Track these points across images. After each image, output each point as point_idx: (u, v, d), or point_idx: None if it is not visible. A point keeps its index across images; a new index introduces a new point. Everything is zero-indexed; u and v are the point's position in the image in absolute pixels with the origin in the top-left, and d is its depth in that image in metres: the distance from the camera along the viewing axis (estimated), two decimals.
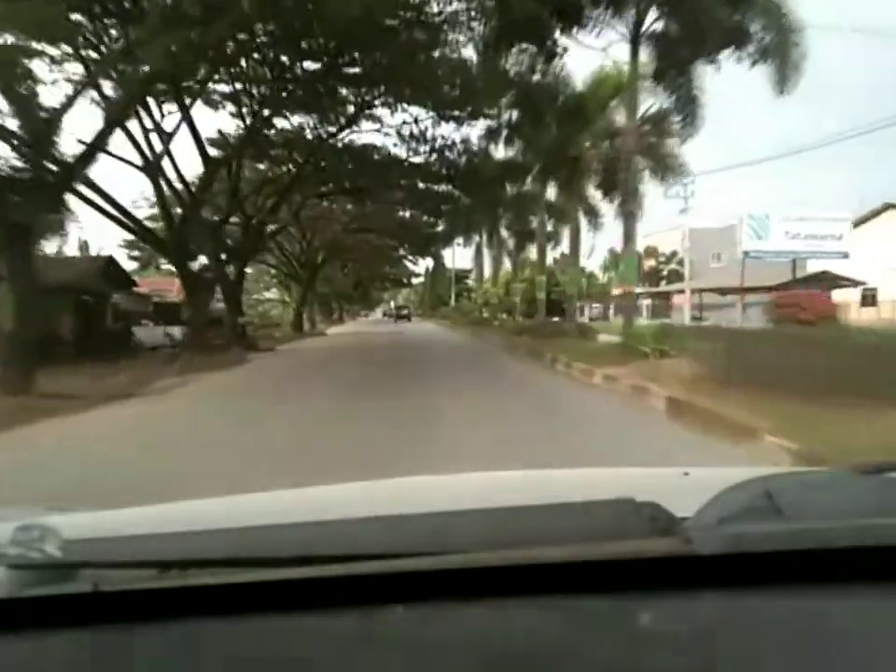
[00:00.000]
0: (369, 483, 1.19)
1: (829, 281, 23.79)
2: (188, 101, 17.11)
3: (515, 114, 20.16)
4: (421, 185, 25.86)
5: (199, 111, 18.50)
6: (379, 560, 0.65)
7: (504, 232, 36.11)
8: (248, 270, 45.29)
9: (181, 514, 0.99)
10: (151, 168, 16.79)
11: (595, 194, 22.93)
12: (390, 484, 1.17)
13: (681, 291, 39.42)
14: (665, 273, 52.67)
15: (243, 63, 16.66)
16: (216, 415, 8.19)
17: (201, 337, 16.86)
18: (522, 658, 0.59)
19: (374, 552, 0.66)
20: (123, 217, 16.54)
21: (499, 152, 23.21)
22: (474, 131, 29.64)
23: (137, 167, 16.73)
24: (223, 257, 21.16)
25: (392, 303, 77.88)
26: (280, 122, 20.45)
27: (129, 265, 29.94)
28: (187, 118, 17.37)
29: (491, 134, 21.94)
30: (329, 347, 22.38)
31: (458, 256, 75.01)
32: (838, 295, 23.92)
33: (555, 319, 29.09)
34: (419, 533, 0.71)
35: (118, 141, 14.83)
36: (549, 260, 31.86)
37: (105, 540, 0.72)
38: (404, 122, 20.88)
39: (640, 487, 0.93)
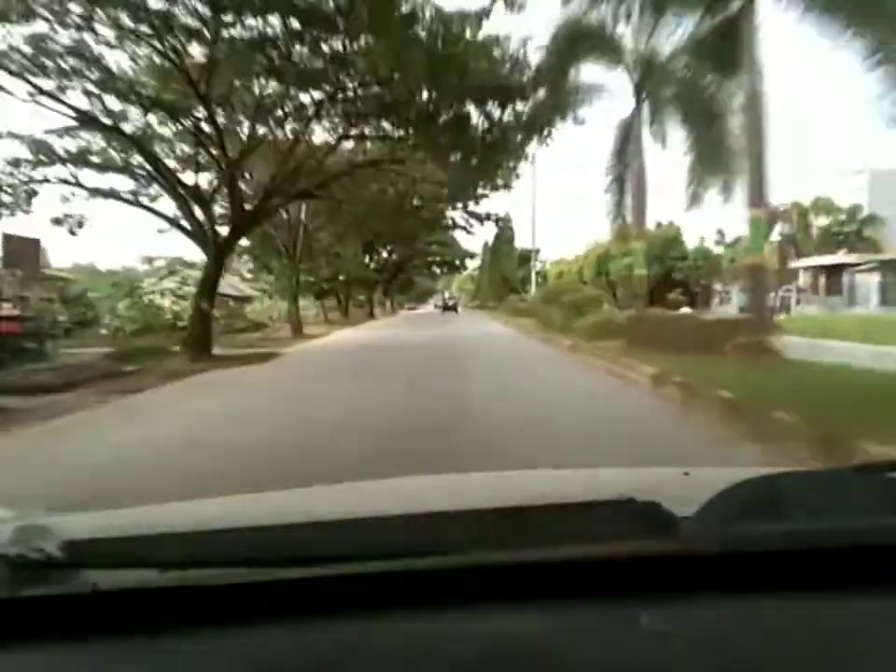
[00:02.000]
0: (369, 484, 1.19)
1: None
2: None
3: None
4: None
5: None
6: (379, 560, 0.65)
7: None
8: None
9: (181, 515, 0.99)
10: None
11: None
12: (390, 484, 1.18)
13: None
14: (840, 235, 35.31)
15: None
16: None
17: None
18: (522, 657, 0.59)
19: (374, 552, 0.66)
20: None
21: None
22: None
23: None
24: None
25: (446, 293, 72.75)
26: None
27: None
28: None
29: None
30: None
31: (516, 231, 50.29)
32: None
33: (686, 310, 17.09)
34: (419, 533, 0.71)
35: None
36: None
37: (104, 541, 0.72)
38: None
39: (640, 487, 0.92)
